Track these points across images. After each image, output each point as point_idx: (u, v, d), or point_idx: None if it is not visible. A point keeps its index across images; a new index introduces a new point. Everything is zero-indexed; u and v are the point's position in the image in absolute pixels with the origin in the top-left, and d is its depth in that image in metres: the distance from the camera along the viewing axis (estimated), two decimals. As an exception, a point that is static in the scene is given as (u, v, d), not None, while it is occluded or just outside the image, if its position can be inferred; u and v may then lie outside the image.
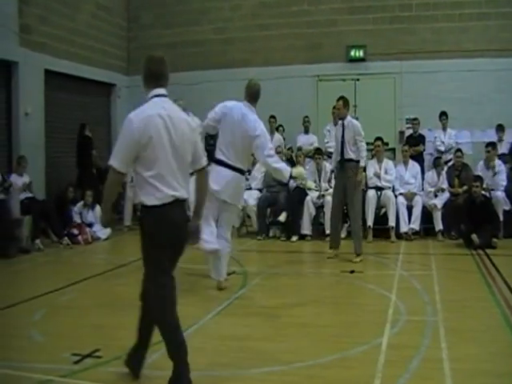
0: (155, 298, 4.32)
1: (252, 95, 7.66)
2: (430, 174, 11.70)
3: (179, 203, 4.12)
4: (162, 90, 4.22)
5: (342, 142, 9.16)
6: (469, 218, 10.13)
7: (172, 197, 4.05)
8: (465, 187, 11.11)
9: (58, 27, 12.95)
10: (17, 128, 11.65)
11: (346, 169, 9.15)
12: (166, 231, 4.08)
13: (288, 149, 12.93)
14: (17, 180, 10.69)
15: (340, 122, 9.36)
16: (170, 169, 4.06)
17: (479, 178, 10.50)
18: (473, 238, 9.88)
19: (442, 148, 12.56)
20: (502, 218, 10.77)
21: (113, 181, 4.11)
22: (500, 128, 12.56)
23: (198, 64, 15.05)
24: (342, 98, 9.37)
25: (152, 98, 4.20)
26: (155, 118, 4.03)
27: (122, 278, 8.20)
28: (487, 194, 10.79)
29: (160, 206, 4.03)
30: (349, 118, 9.30)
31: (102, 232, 11.42)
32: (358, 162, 9.10)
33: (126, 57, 15.86)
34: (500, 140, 12.43)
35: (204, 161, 4.38)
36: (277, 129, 13.46)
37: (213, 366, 4.66)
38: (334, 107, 12.93)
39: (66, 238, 10.72)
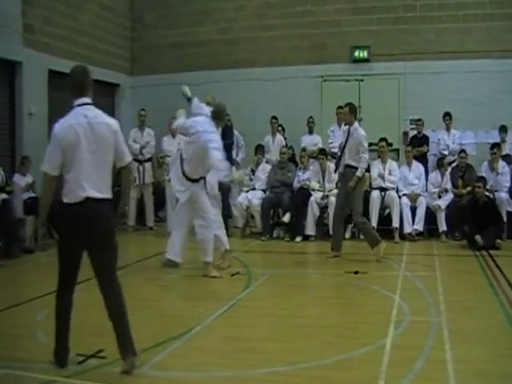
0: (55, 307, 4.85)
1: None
2: (434, 175, 11.68)
3: (91, 202, 4.49)
4: (85, 99, 4.64)
5: (344, 148, 9.19)
6: (472, 219, 10.11)
7: (82, 197, 4.47)
8: (468, 188, 11.09)
9: (62, 27, 12.95)
10: (20, 128, 11.66)
11: (346, 174, 9.22)
12: (73, 227, 4.53)
13: (289, 148, 12.90)
14: (20, 180, 10.70)
15: (346, 127, 9.38)
16: (86, 172, 4.49)
17: (482, 179, 10.48)
18: (476, 239, 9.86)
19: (446, 152, 12.50)
20: (505, 219, 10.76)
21: (46, 184, 4.62)
22: (503, 129, 12.53)
23: (201, 64, 15.03)
24: (348, 104, 9.41)
25: (75, 107, 4.64)
26: (75, 126, 4.50)
27: (125, 278, 8.10)
28: (491, 195, 10.78)
29: (72, 204, 4.49)
30: (355, 125, 9.29)
31: None
32: (357, 169, 9.12)
33: (130, 57, 15.86)
34: (503, 141, 12.40)
35: (127, 159, 4.77)
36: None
37: (216, 367, 4.66)
38: (338, 107, 13.04)
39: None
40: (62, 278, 4.78)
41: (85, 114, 4.56)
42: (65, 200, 4.53)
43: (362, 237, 11.44)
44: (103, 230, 4.59)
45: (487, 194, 10.59)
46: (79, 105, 4.63)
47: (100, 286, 4.76)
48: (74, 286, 4.87)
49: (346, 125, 9.47)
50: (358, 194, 9.19)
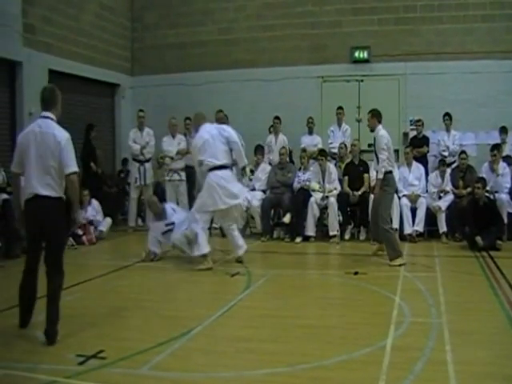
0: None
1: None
2: (434, 176, 11.66)
3: (38, 198, 5.38)
4: (45, 113, 5.53)
5: (375, 152, 9.16)
6: (473, 220, 10.11)
7: (31, 194, 5.40)
8: (469, 189, 11.09)
9: (62, 27, 12.96)
10: (21, 128, 11.50)
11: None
12: (28, 220, 5.52)
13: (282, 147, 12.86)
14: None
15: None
16: (34, 172, 5.39)
17: (481, 180, 10.48)
18: (477, 240, 9.86)
19: (446, 153, 12.48)
20: (506, 221, 10.76)
21: (13, 181, 5.87)
22: (503, 130, 12.52)
23: (202, 64, 15.05)
24: (371, 111, 9.39)
25: (38, 118, 5.58)
26: (30, 133, 5.47)
27: (126, 278, 8.20)
28: (491, 196, 10.78)
29: (26, 200, 5.47)
30: (378, 128, 9.17)
31: (103, 224, 11.64)
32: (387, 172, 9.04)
33: (130, 57, 15.86)
34: (503, 142, 12.39)
35: (69, 169, 5.41)
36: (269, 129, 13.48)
37: (217, 368, 4.66)
38: (339, 108, 13.05)
39: (70, 238, 10.70)
40: (26, 263, 5.68)
41: (39, 125, 5.46)
42: (23, 197, 5.50)
43: (361, 237, 11.48)
44: (48, 223, 5.41)
45: (487, 194, 10.59)
46: (41, 117, 5.55)
47: (46, 270, 5.53)
48: (36, 270, 5.65)
49: (371, 131, 9.39)
50: (383, 197, 9.01)
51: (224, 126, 9.37)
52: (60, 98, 5.69)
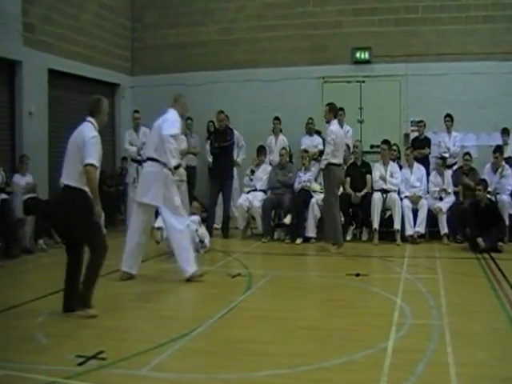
0: None
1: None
2: (434, 174, 11.63)
3: (64, 187, 6.17)
4: (88, 118, 6.35)
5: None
6: (474, 222, 10.09)
7: (62, 183, 6.20)
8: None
9: (62, 27, 12.92)
10: (20, 128, 11.62)
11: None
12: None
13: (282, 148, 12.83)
14: (19, 180, 10.66)
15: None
16: (65, 165, 6.24)
17: (483, 182, 10.46)
18: (478, 241, 9.83)
19: (447, 154, 12.44)
20: (507, 222, 10.73)
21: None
22: (505, 131, 12.49)
23: (202, 64, 15.01)
24: (329, 104, 10.30)
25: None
26: (73, 132, 6.34)
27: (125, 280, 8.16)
28: (492, 198, 10.76)
29: None
30: (332, 122, 10.09)
31: None
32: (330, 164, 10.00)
33: (130, 57, 15.83)
34: (505, 143, 12.37)
35: (85, 161, 6.01)
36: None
37: (217, 369, 4.62)
38: (340, 109, 13.01)
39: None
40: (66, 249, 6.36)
41: (80, 126, 6.33)
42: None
43: (363, 238, 11.47)
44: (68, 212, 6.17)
45: (489, 196, 10.57)
46: (83, 120, 6.38)
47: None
48: (73, 255, 6.26)
49: (327, 122, 10.37)
50: (328, 186, 10.22)
51: (169, 115, 8.03)
52: (105, 108, 6.53)
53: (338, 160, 10.09)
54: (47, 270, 8.93)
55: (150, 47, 15.70)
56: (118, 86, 15.32)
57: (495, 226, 10.02)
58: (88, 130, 6.18)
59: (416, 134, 13.22)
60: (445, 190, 11.35)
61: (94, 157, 6.05)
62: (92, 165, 5.99)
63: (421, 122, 12.96)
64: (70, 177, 6.12)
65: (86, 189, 6.11)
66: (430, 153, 12.81)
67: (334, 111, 10.20)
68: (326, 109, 10.25)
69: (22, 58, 11.60)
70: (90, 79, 13.82)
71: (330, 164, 9.94)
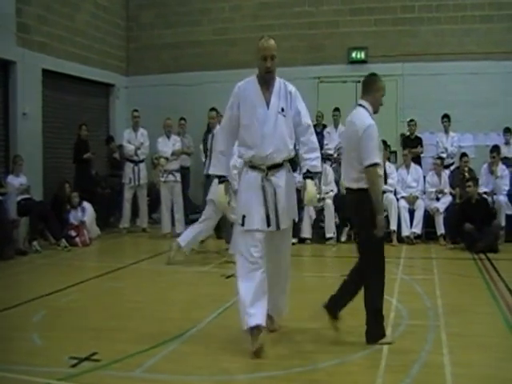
0: None
1: None
2: (430, 175, 11.60)
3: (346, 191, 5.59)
4: (360, 101, 5.45)
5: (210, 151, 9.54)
6: (467, 217, 10.06)
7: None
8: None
9: (57, 27, 12.86)
10: (14, 128, 11.55)
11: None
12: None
13: None
14: (13, 180, 10.60)
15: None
16: (343, 164, 5.68)
17: (472, 179, 10.49)
18: (466, 226, 9.84)
19: (445, 155, 12.41)
20: (504, 223, 10.74)
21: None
22: (507, 130, 12.47)
23: (198, 65, 14.98)
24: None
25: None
26: None
27: (120, 280, 8.14)
28: (489, 198, 10.76)
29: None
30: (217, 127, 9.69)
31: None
32: None
33: (125, 57, 15.77)
34: (507, 143, 12.37)
35: (365, 161, 5.19)
36: None
37: (211, 370, 4.60)
38: (335, 110, 13.00)
39: (63, 239, 10.62)
40: (379, 264, 5.24)
41: (351, 114, 5.39)
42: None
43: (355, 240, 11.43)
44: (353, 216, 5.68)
45: (481, 194, 10.59)
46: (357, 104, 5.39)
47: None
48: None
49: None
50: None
51: None
52: (378, 86, 5.51)
53: None
54: (41, 272, 8.89)
55: (145, 47, 15.65)
56: (112, 86, 15.26)
57: (488, 224, 9.99)
58: (359, 119, 5.27)
59: (407, 133, 13.18)
60: (442, 190, 11.33)
61: (374, 153, 5.27)
62: (374, 164, 5.18)
63: (412, 120, 12.95)
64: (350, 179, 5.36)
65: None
66: (422, 152, 12.78)
67: None
68: None
69: (16, 58, 11.54)
70: (84, 79, 13.78)
71: None
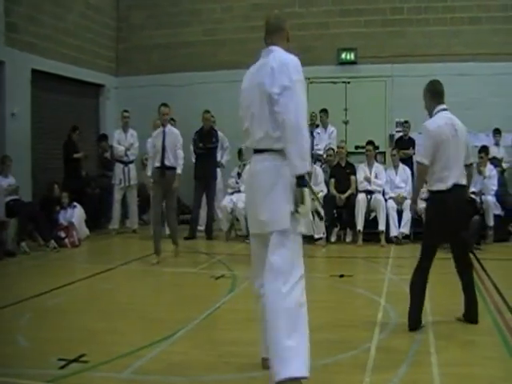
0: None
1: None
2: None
3: (456, 188, 5.66)
4: (443, 106, 5.88)
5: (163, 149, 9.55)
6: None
7: (449, 185, 5.61)
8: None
9: (46, 27, 12.79)
10: (3, 129, 11.47)
11: (168, 176, 9.56)
12: (442, 212, 5.69)
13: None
14: (1, 181, 10.55)
15: (161, 129, 9.80)
16: (450, 165, 5.69)
17: None
18: None
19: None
20: (492, 223, 10.80)
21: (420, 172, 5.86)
22: (497, 131, 12.54)
23: (188, 65, 14.95)
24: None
25: (440, 111, 5.85)
26: (443, 127, 5.71)
27: (109, 281, 8.12)
28: (477, 199, 10.80)
29: (440, 191, 5.67)
30: (169, 125, 9.85)
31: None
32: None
33: (115, 57, 15.72)
34: (497, 144, 12.44)
35: (468, 159, 5.93)
36: None
37: (200, 371, 4.59)
38: (321, 111, 13.02)
39: (52, 241, 10.58)
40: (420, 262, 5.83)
41: (449, 117, 5.75)
42: (433, 188, 5.67)
43: (347, 240, 11.46)
44: (463, 215, 5.90)
45: (473, 196, 10.63)
46: (441, 109, 5.80)
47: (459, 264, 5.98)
48: (430, 267, 5.83)
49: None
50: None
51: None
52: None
53: None
54: (30, 273, 8.86)
55: (135, 48, 15.61)
56: (102, 86, 15.22)
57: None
58: (459, 121, 5.90)
59: (401, 134, 13.24)
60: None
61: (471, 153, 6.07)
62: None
63: (406, 122, 13.00)
64: (462, 177, 5.79)
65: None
66: (414, 153, 12.82)
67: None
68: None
69: (5, 58, 11.47)
70: (74, 80, 13.72)
71: None
